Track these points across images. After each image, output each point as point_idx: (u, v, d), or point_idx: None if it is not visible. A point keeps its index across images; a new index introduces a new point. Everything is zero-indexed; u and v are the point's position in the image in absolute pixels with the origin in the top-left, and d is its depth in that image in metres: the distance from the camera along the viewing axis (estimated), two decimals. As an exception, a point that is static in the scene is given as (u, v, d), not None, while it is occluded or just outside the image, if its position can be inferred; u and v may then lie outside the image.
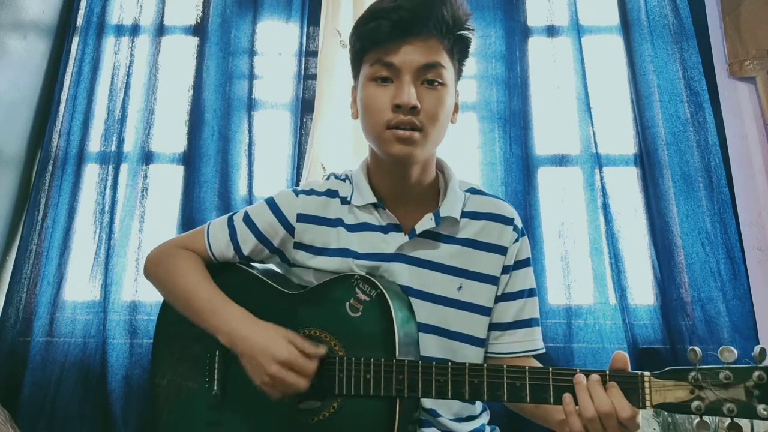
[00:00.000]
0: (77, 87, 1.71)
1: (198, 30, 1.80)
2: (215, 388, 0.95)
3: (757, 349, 0.67)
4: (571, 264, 1.56)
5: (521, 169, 1.63)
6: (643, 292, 1.54)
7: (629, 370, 0.74)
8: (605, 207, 1.58)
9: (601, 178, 1.60)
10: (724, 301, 1.48)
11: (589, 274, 1.54)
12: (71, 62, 1.76)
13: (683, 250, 1.53)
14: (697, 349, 0.69)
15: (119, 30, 1.79)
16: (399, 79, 0.89)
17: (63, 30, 1.82)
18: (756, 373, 0.66)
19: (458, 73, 0.98)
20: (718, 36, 1.72)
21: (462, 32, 0.93)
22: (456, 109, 0.99)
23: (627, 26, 1.74)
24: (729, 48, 1.69)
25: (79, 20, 1.81)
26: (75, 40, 1.78)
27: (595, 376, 0.73)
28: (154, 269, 1.03)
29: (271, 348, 0.83)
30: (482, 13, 1.77)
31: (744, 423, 0.68)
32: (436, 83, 0.90)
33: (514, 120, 1.67)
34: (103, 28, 1.78)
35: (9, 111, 1.63)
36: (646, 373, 0.72)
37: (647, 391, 0.71)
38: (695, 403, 0.69)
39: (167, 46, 1.78)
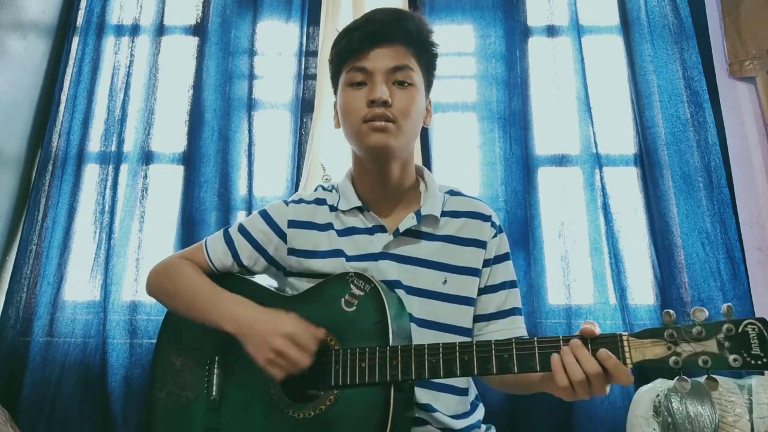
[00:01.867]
0: (77, 87, 1.71)
1: (198, 30, 1.80)
2: (214, 393, 0.96)
3: (724, 307, 0.72)
4: (571, 264, 1.56)
5: (521, 169, 1.63)
6: (643, 292, 1.54)
7: (599, 332, 0.78)
8: (605, 207, 1.58)
9: (601, 178, 1.60)
10: (724, 301, 1.47)
11: (589, 274, 1.54)
12: (71, 62, 1.76)
13: (683, 250, 1.53)
14: (671, 311, 0.75)
15: (119, 30, 1.80)
16: (372, 80, 0.98)
17: (63, 30, 1.82)
18: (725, 326, 0.71)
19: (428, 83, 1.06)
20: (718, 36, 1.72)
21: (426, 44, 1.03)
22: (429, 114, 1.08)
23: (627, 26, 1.74)
24: (729, 48, 1.69)
25: (79, 20, 1.81)
26: (75, 40, 1.79)
27: (577, 341, 0.78)
28: (156, 279, 1.07)
29: (276, 323, 0.88)
30: (482, 13, 1.77)
31: (744, 423, 0.69)
32: (406, 84, 0.99)
33: (514, 120, 1.67)
34: (103, 28, 1.78)
35: (9, 111, 1.63)
36: (624, 334, 0.77)
37: (627, 349, 0.76)
38: (673, 358, 0.73)
39: (167, 46, 1.78)
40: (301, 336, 0.86)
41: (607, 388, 0.77)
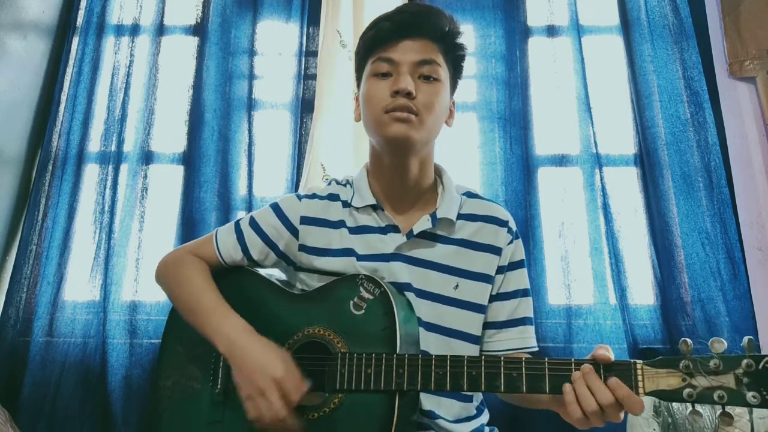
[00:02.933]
0: (77, 87, 1.71)
1: (198, 30, 1.80)
2: (218, 386, 0.96)
3: (745, 340, 0.69)
4: (571, 264, 1.56)
5: (521, 169, 1.63)
6: (643, 292, 1.55)
7: (613, 358, 0.76)
8: (605, 207, 1.58)
9: (601, 178, 1.60)
10: (724, 301, 1.48)
11: (589, 274, 1.54)
12: (71, 62, 1.76)
13: (683, 250, 1.53)
14: (688, 340, 0.72)
15: (119, 30, 1.80)
16: (397, 71, 0.96)
17: (63, 30, 1.82)
18: (745, 361, 0.68)
19: (453, 83, 1.04)
20: (718, 36, 1.72)
21: (455, 43, 1.01)
22: (451, 115, 1.06)
23: (627, 26, 1.74)
24: (729, 48, 1.69)
25: (79, 20, 1.81)
26: (75, 40, 1.79)
27: (588, 367, 0.75)
28: (164, 276, 1.06)
29: (268, 363, 0.85)
30: (482, 13, 1.77)
31: (744, 423, 0.68)
32: (432, 78, 0.97)
33: (514, 120, 1.67)
34: (103, 28, 1.78)
35: (9, 111, 1.63)
36: (639, 362, 0.74)
37: (640, 378, 0.73)
38: (687, 391, 0.71)
39: (167, 46, 1.78)
40: (288, 385, 0.83)
41: (621, 414, 0.75)
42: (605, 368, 0.75)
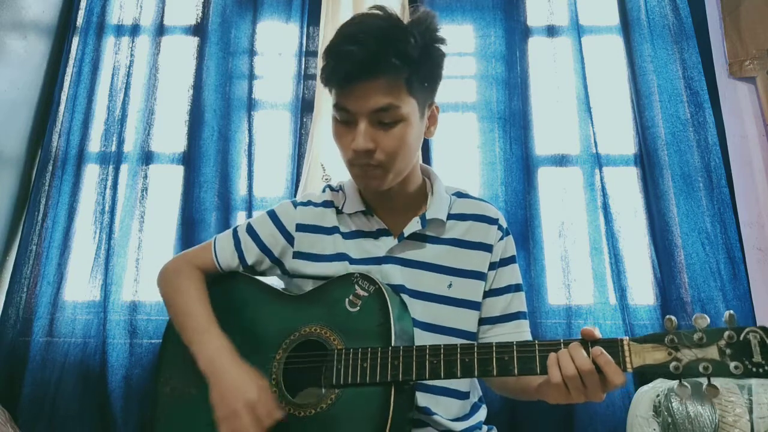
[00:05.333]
0: (77, 87, 1.71)
1: (198, 30, 1.80)
2: None
3: (727, 314, 0.72)
4: (571, 264, 1.56)
5: (521, 169, 1.63)
6: (643, 292, 1.54)
7: (600, 336, 0.78)
8: (605, 207, 1.58)
9: (601, 178, 1.60)
10: (724, 301, 1.48)
11: (589, 274, 1.54)
12: (71, 62, 1.76)
13: (683, 250, 1.53)
14: (673, 317, 0.75)
15: (119, 30, 1.80)
16: (355, 122, 0.92)
17: (63, 30, 1.82)
18: (726, 333, 0.71)
19: (428, 93, 0.97)
20: (718, 36, 1.72)
21: (422, 61, 0.91)
22: (434, 122, 1.03)
23: (627, 26, 1.74)
24: (729, 48, 1.69)
25: (79, 20, 1.81)
26: (75, 40, 1.79)
27: (575, 343, 0.78)
28: (163, 284, 1.08)
29: (243, 387, 0.86)
30: (482, 13, 1.77)
31: (744, 423, 0.68)
32: (392, 123, 0.91)
33: (514, 120, 1.67)
34: (103, 28, 1.78)
35: (9, 111, 1.63)
36: (625, 338, 0.77)
37: (627, 354, 0.76)
38: (673, 364, 0.73)
39: (167, 46, 1.78)
40: (261, 409, 0.84)
41: (603, 394, 0.77)
42: (592, 344, 0.77)
